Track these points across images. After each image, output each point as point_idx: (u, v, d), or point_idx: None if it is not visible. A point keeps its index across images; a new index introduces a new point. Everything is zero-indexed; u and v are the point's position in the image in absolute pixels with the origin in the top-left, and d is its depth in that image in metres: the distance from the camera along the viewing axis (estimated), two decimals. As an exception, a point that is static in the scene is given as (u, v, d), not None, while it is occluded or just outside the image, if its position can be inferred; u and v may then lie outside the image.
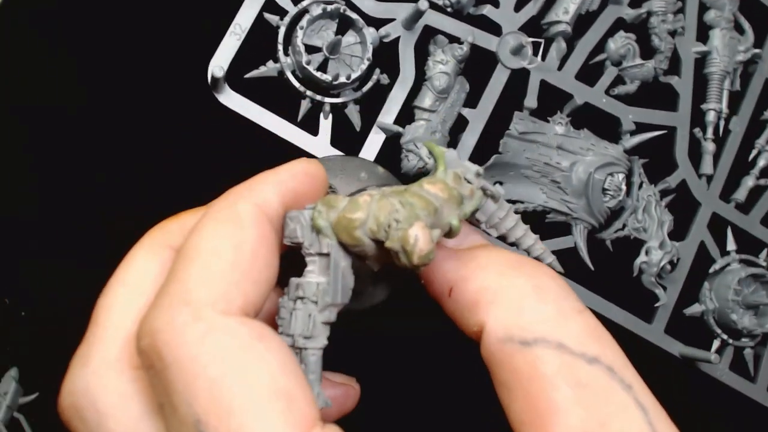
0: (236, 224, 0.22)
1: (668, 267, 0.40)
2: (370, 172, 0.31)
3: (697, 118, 0.43)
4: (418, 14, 0.35)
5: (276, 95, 0.36)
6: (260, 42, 0.35)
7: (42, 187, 0.39)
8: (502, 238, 0.28)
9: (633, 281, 0.41)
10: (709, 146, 0.42)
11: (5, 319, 0.40)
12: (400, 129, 0.36)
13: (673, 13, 0.41)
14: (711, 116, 0.42)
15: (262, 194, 0.23)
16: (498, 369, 0.23)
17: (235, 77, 0.35)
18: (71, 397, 0.22)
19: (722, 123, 0.43)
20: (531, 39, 0.37)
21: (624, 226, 0.41)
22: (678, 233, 0.42)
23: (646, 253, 0.40)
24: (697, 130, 0.42)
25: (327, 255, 0.23)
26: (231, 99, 0.35)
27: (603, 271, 0.41)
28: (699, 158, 0.42)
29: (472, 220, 0.27)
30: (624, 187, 0.40)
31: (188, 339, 0.20)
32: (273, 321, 0.24)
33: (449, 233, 0.24)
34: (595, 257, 0.40)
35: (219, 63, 0.34)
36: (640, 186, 0.41)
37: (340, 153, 0.36)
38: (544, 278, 0.24)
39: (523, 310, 0.23)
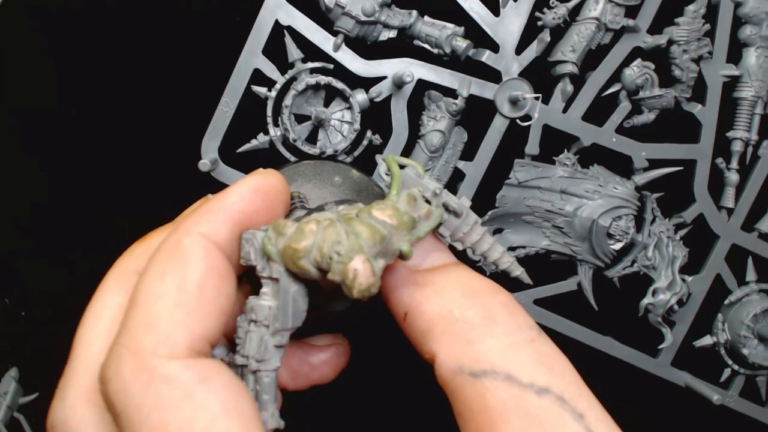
0: (181, 261, 0.22)
1: (676, 307, 0.40)
2: (344, 176, 0.31)
3: (720, 146, 0.40)
4: (404, 83, 0.34)
5: (269, 162, 0.37)
6: (251, 109, 0.36)
7: (42, 188, 0.39)
8: (469, 251, 0.27)
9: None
10: (733, 177, 0.40)
11: (5, 319, 0.40)
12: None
13: (697, 40, 0.37)
14: (737, 145, 0.40)
15: (209, 224, 0.23)
16: (452, 399, 0.23)
17: (228, 148, 0.36)
18: (53, 430, 0.24)
19: (749, 151, 0.40)
20: (529, 95, 0.35)
21: (633, 262, 0.40)
22: (693, 265, 0.41)
23: (653, 294, 0.40)
24: (719, 160, 0.40)
25: (277, 280, 0.23)
26: (225, 174, 0.36)
27: (610, 305, 0.41)
28: (719, 189, 0.40)
29: (436, 234, 0.27)
30: (631, 230, 0.39)
31: (133, 389, 0.21)
32: None
33: (402, 257, 0.23)
34: (603, 292, 0.40)
35: (208, 149, 0.35)
36: (653, 221, 0.40)
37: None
38: (496, 308, 0.24)
39: (472, 342, 0.23)
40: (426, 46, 0.36)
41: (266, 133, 0.36)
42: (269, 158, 0.36)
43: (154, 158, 0.40)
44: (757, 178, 0.40)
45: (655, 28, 0.38)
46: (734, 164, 0.40)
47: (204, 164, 0.33)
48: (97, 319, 0.25)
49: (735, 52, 0.39)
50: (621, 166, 0.39)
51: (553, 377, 0.22)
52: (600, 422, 0.22)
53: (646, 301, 0.40)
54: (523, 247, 0.39)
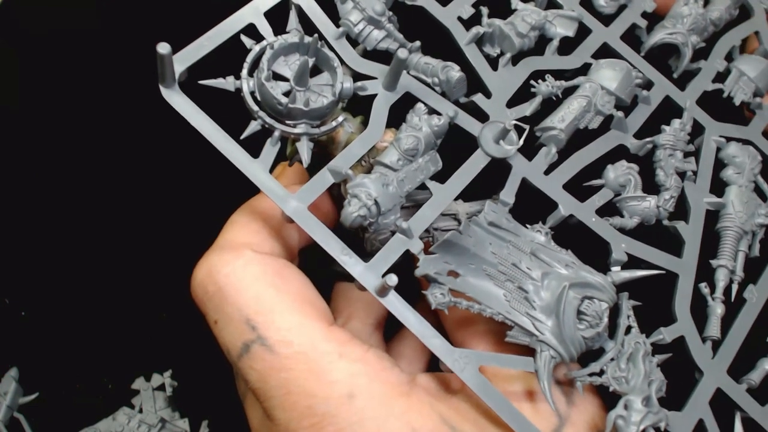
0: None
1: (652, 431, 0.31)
2: None
3: (705, 273, 0.36)
4: (400, 66, 0.33)
5: (227, 115, 0.33)
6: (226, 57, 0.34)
7: (42, 188, 0.40)
8: None
9: None
10: (718, 308, 0.35)
11: (5, 319, 0.41)
12: (350, 172, 0.32)
13: (682, 152, 0.37)
14: (721, 274, 0.36)
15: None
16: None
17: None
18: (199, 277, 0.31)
19: (735, 286, 0.36)
20: (515, 121, 0.34)
21: (602, 371, 0.33)
22: (671, 404, 0.33)
23: (625, 407, 0.31)
24: (703, 285, 0.36)
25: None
26: (174, 96, 0.32)
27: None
28: (704, 318, 0.35)
29: None
30: (606, 320, 0.33)
31: (234, 268, 0.29)
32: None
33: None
34: (559, 397, 0.32)
35: (181, 59, 0.32)
36: (628, 331, 0.34)
37: (275, 181, 0.31)
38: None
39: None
40: (421, 75, 0.36)
41: (237, 78, 0.33)
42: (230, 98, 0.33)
43: (154, 159, 0.41)
44: (744, 322, 0.35)
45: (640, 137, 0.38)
46: (719, 293, 0.36)
47: (163, 47, 0.30)
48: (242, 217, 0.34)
49: (719, 186, 0.38)
50: (591, 261, 0.35)
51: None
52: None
53: (615, 413, 0.31)
54: (479, 303, 0.32)
